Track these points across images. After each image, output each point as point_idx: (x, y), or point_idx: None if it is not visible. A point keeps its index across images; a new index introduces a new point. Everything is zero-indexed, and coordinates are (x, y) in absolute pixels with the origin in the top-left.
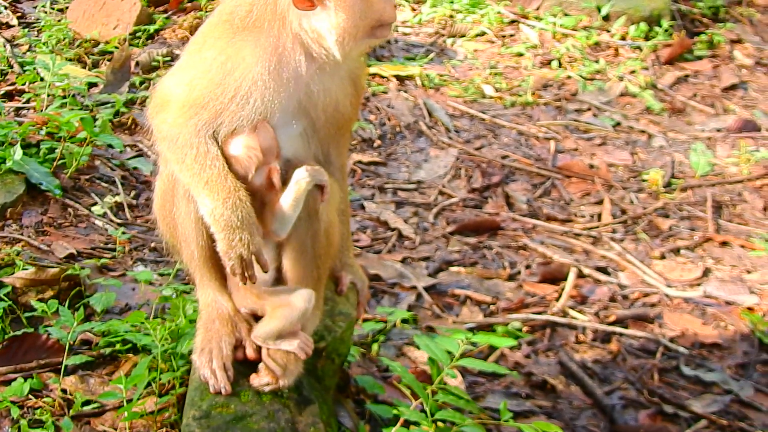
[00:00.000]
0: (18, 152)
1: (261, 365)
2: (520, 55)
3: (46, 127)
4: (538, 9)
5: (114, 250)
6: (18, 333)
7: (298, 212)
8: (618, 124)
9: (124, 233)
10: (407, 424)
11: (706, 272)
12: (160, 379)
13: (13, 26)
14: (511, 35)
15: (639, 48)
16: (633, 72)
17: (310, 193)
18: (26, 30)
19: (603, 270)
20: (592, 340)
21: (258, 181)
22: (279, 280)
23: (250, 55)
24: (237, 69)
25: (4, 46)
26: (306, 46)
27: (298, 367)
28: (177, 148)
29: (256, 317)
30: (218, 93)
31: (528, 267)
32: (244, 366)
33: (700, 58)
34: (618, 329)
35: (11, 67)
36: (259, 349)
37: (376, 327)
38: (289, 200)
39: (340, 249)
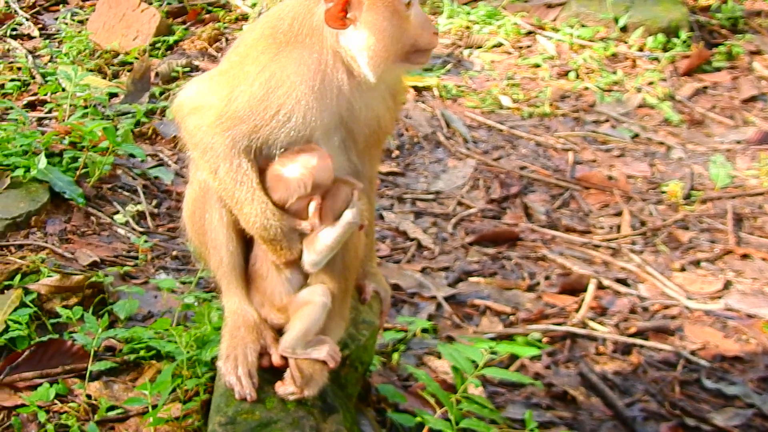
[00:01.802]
0: (42, 161)
1: (287, 374)
2: (537, 66)
3: (69, 137)
4: (555, 20)
5: (136, 258)
6: (44, 339)
7: (338, 248)
8: (636, 135)
9: (146, 241)
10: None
11: (727, 285)
12: (184, 386)
13: (35, 37)
14: (528, 46)
15: (657, 59)
16: (651, 83)
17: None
18: (47, 41)
19: (623, 282)
20: (612, 352)
21: (294, 208)
22: None
23: (294, 74)
24: (281, 87)
25: (27, 57)
26: (347, 64)
27: (323, 377)
28: (210, 158)
29: (280, 333)
30: (260, 109)
31: (547, 278)
32: (269, 373)
33: (718, 69)
34: (638, 341)
35: (33, 77)
36: (284, 357)
37: (397, 336)
38: (331, 238)
39: (364, 258)
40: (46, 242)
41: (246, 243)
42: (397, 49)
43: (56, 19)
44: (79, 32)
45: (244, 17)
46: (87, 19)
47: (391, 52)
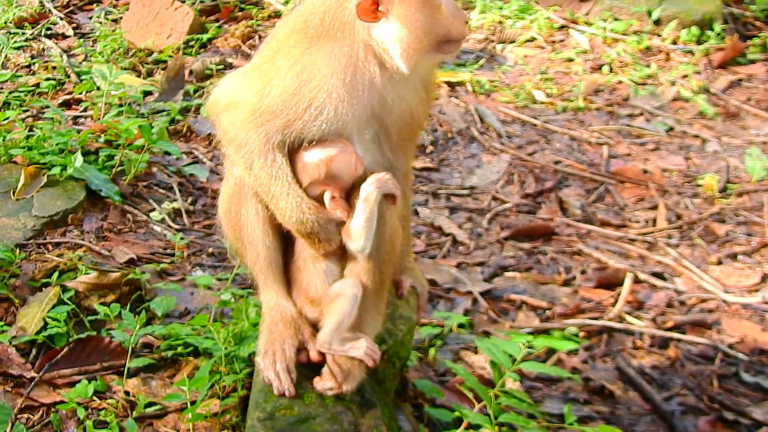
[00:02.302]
0: (79, 159)
1: (325, 369)
2: (571, 60)
3: (105, 135)
4: (587, 14)
5: (173, 255)
6: (82, 336)
7: (375, 224)
8: (671, 128)
9: (182, 239)
10: (470, 427)
11: (765, 278)
12: (222, 382)
13: (69, 37)
14: (561, 40)
15: (691, 52)
16: (685, 76)
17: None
18: (82, 40)
19: (659, 275)
20: (649, 346)
21: (311, 194)
22: None
23: (325, 66)
24: (312, 80)
25: (61, 56)
26: (378, 56)
27: (361, 373)
28: (245, 153)
29: (317, 328)
30: (292, 103)
31: (583, 272)
32: (306, 368)
33: (753, 61)
34: (676, 335)
35: (68, 76)
36: (321, 351)
37: (433, 332)
38: (361, 220)
39: (401, 253)
40: (83, 240)
41: (282, 238)
42: (430, 40)
43: (90, 18)
44: (113, 31)
45: (277, 14)
46: (121, 18)
47: (423, 43)
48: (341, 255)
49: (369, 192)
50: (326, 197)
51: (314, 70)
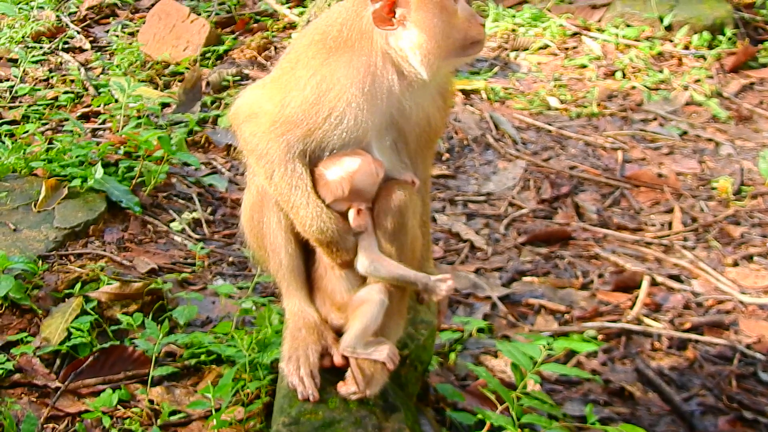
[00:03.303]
0: (99, 171)
1: (348, 374)
2: (584, 66)
3: (124, 147)
4: (600, 21)
5: (193, 264)
6: (105, 346)
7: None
8: (685, 133)
9: (202, 248)
10: (492, 429)
11: None
12: (246, 389)
13: (86, 50)
14: (574, 47)
15: (703, 57)
16: (698, 81)
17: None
18: (99, 53)
19: (676, 278)
20: (667, 348)
21: (335, 209)
22: None
23: (344, 76)
24: (332, 90)
25: (79, 70)
26: (396, 64)
27: (383, 377)
28: (266, 163)
29: (340, 335)
30: (312, 112)
31: (600, 276)
32: (330, 373)
33: (765, 65)
34: (693, 336)
35: (86, 89)
36: (345, 356)
37: (453, 336)
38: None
39: (421, 259)
40: (104, 251)
41: (304, 246)
42: (449, 44)
43: (107, 31)
44: (130, 44)
45: (292, 26)
46: (137, 31)
47: (443, 48)
48: None
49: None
50: (351, 214)
51: (333, 80)
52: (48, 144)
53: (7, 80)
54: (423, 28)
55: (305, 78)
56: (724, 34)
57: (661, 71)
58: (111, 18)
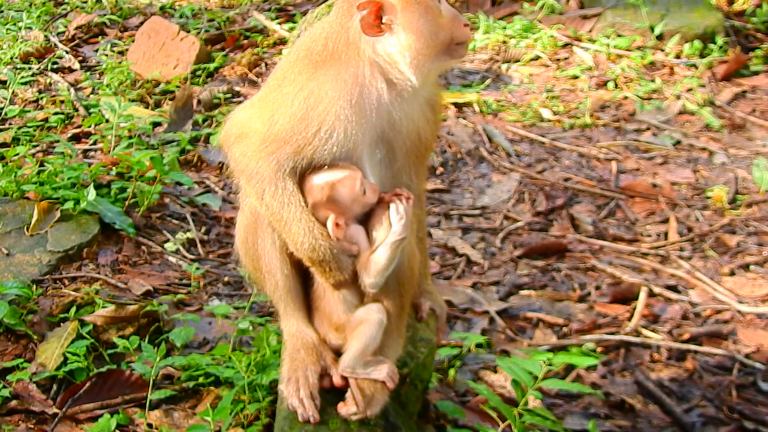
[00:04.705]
0: (91, 193)
1: (348, 394)
2: (576, 77)
3: (116, 168)
4: (591, 31)
5: (189, 285)
6: (102, 370)
7: (394, 266)
8: (678, 142)
9: (197, 269)
10: None
11: None
12: (245, 410)
13: (76, 70)
14: (566, 58)
15: (694, 66)
16: (690, 90)
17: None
18: (88, 73)
19: (673, 288)
20: (667, 359)
21: (317, 217)
22: None
23: (332, 89)
24: (320, 103)
25: (69, 90)
26: (385, 72)
27: (384, 396)
28: (257, 183)
29: (339, 354)
30: (301, 128)
31: (598, 288)
32: (330, 394)
33: (756, 73)
34: (692, 347)
35: (76, 110)
36: (345, 377)
37: (452, 352)
38: (383, 261)
39: (419, 276)
40: (98, 273)
41: (300, 266)
42: (437, 45)
43: (96, 51)
44: (120, 63)
45: (283, 41)
46: (127, 50)
47: (431, 48)
48: (355, 282)
49: (399, 236)
50: (329, 222)
51: (321, 94)
52: (39, 166)
53: None
54: (410, 29)
55: (292, 94)
56: (715, 43)
57: (653, 81)
58: (100, 37)
